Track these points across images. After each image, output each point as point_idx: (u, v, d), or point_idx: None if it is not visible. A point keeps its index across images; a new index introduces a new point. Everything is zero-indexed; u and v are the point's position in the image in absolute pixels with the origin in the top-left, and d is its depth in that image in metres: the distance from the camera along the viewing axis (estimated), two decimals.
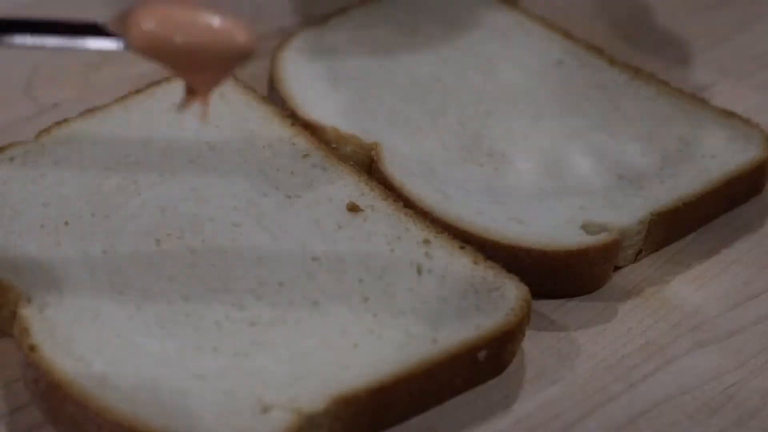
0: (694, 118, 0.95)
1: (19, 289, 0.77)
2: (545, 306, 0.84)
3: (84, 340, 0.75)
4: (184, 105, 0.72)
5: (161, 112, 0.91)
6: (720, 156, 0.92)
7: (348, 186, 0.86)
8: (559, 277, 0.84)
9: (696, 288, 0.87)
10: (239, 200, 0.85)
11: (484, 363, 0.78)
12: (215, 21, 0.69)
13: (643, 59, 1.03)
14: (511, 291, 0.80)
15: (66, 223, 0.82)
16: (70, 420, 0.73)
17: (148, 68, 1.01)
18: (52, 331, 0.75)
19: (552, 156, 0.91)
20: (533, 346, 0.82)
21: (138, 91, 0.93)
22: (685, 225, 0.90)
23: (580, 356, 0.81)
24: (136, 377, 0.73)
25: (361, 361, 0.75)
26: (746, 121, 0.95)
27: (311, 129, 0.91)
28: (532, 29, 1.02)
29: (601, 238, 0.85)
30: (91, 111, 0.91)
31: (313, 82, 0.96)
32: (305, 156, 0.88)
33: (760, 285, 0.87)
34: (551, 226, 0.85)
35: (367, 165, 0.90)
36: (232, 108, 0.92)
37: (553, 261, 0.84)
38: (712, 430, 0.78)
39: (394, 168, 0.89)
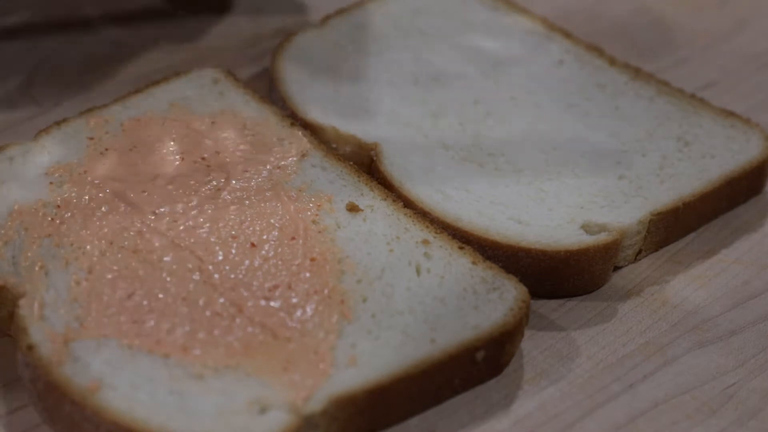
0: (694, 118, 0.95)
1: (17, 289, 0.77)
2: (545, 306, 0.84)
3: (81, 340, 0.75)
4: None
5: (161, 112, 0.91)
6: (719, 156, 0.91)
7: (348, 186, 0.86)
8: (559, 277, 0.84)
9: (696, 288, 0.87)
10: None
11: (482, 363, 0.78)
12: None
13: (643, 59, 1.03)
14: (510, 291, 0.80)
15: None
16: (68, 420, 0.72)
17: (148, 68, 1.02)
18: (50, 330, 0.75)
19: (552, 156, 0.91)
20: (533, 346, 0.82)
21: (138, 91, 0.92)
22: (685, 225, 0.90)
23: (579, 356, 0.81)
24: (134, 377, 0.73)
25: (360, 362, 0.75)
26: (746, 121, 0.94)
27: (311, 129, 0.91)
28: (532, 29, 1.02)
29: (601, 238, 0.85)
30: (91, 111, 0.90)
31: (313, 82, 0.96)
32: (305, 156, 0.88)
33: (760, 285, 0.87)
34: (551, 226, 0.85)
35: (367, 165, 0.90)
36: (232, 108, 0.92)
37: (553, 261, 0.84)
38: (712, 430, 0.77)
39: (394, 168, 0.88)
